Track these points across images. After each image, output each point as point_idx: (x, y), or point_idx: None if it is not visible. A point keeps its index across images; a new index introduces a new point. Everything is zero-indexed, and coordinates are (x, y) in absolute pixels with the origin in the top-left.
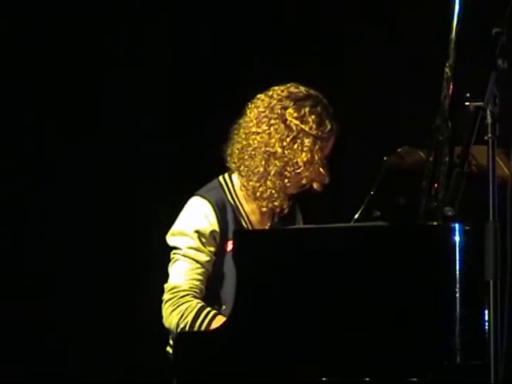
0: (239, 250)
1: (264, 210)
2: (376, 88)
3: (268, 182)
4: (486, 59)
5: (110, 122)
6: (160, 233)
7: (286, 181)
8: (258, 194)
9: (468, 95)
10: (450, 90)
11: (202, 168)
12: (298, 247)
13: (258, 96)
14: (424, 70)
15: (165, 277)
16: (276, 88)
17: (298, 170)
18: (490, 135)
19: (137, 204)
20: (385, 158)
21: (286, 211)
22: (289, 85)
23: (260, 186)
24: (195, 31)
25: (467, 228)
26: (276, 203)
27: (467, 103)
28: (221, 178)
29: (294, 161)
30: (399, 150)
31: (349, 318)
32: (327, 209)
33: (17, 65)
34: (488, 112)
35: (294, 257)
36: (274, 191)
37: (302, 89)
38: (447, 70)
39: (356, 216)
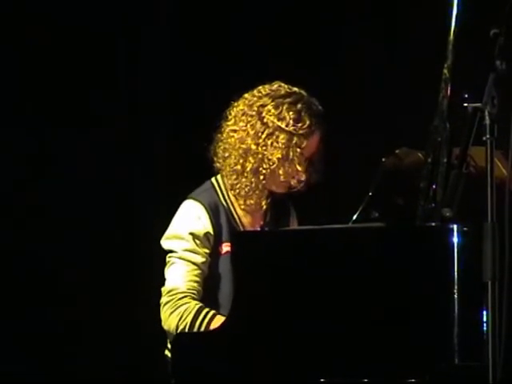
0: (237, 251)
1: (243, 207)
2: (374, 89)
3: (243, 179)
4: (484, 60)
5: (111, 123)
6: (159, 234)
7: (262, 178)
8: (236, 191)
9: (466, 96)
10: (448, 91)
11: (201, 170)
12: (296, 248)
13: (244, 95)
14: (422, 70)
15: (163, 278)
16: (260, 87)
17: (273, 167)
18: (488, 136)
19: (136, 206)
20: (383, 159)
21: (264, 209)
22: (274, 83)
23: (238, 183)
24: (195, 32)
25: (465, 229)
26: (252, 201)
27: (465, 104)
28: (213, 179)
29: (269, 157)
30: (397, 151)
31: (346, 319)
32: (325, 210)
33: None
34: (486, 113)
35: (292, 258)
36: (249, 188)
37: (286, 86)
38: (445, 70)
39: (354, 217)
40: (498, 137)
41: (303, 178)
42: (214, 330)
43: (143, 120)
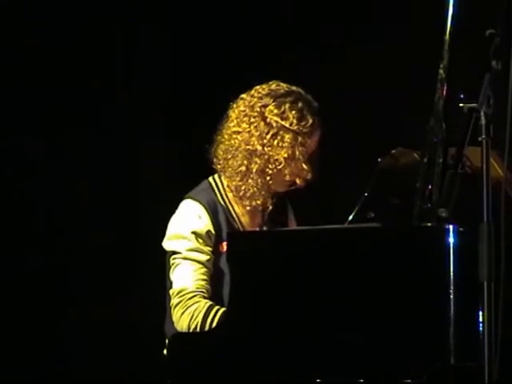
0: (232, 251)
1: (248, 208)
2: (370, 89)
3: (250, 181)
4: (480, 60)
5: (110, 125)
6: (159, 235)
7: (268, 178)
8: (241, 193)
9: (462, 96)
10: (444, 92)
11: (201, 171)
12: (292, 248)
13: (241, 96)
14: (418, 70)
15: (163, 278)
16: (258, 87)
17: (280, 167)
18: (483, 136)
19: (136, 206)
20: (379, 160)
21: (269, 209)
22: (271, 82)
23: (243, 185)
24: (192, 33)
25: (461, 229)
26: (258, 202)
27: (461, 104)
28: (210, 179)
29: (275, 158)
30: (393, 151)
31: (342, 319)
32: (321, 210)
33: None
34: (482, 113)
35: (288, 258)
36: (255, 189)
37: (284, 85)
38: (441, 71)
39: (350, 217)
40: (493, 137)
41: (309, 176)
42: (210, 330)
43: (143, 120)
